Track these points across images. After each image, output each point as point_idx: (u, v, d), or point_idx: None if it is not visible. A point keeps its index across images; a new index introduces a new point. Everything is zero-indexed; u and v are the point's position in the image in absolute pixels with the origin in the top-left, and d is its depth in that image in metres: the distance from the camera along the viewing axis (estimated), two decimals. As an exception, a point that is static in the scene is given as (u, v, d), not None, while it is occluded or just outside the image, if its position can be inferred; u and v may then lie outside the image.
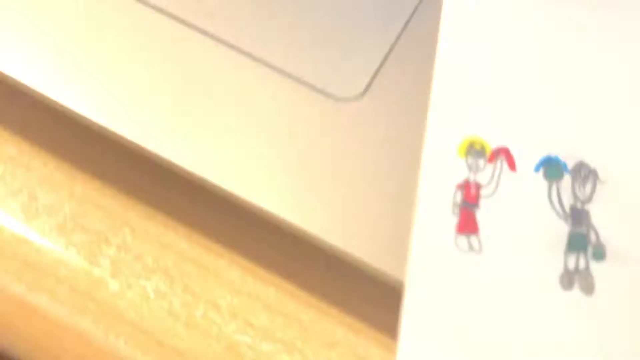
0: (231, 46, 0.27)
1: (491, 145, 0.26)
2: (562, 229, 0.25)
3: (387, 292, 0.25)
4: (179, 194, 0.28)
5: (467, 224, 0.25)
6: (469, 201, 0.25)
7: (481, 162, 0.26)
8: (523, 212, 0.25)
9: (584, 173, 0.26)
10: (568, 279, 0.24)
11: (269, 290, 0.27)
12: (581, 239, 0.25)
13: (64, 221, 0.28)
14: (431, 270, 0.24)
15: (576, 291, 0.24)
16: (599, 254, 0.25)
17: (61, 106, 0.27)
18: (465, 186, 0.25)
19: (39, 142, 0.29)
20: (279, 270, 0.28)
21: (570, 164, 0.26)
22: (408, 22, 0.28)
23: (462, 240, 0.25)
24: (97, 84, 0.27)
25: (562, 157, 0.26)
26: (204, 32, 0.28)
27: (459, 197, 0.25)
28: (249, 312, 0.27)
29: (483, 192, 0.26)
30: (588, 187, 0.26)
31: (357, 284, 0.28)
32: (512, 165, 0.26)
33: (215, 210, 0.28)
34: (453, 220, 0.25)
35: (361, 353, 0.27)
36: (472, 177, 0.26)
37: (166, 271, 0.27)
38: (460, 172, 0.26)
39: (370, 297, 0.26)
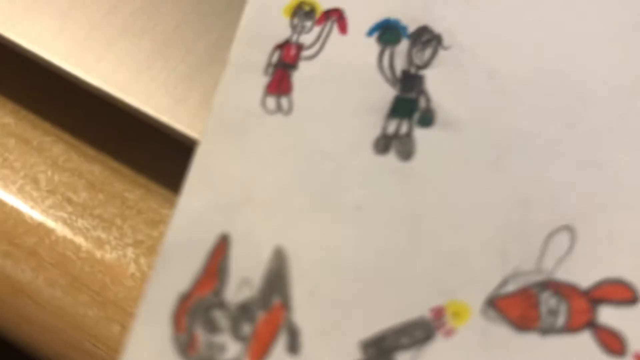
0: None
1: (323, 7, 0.24)
2: (388, 94, 0.23)
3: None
4: (10, 69, 0.27)
5: (280, 85, 0.23)
6: (286, 61, 0.23)
7: (308, 23, 0.24)
8: (345, 76, 0.23)
9: (426, 38, 0.24)
10: (384, 143, 0.22)
11: (93, 167, 0.26)
12: (408, 105, 0.23)
13: None
14: (229, 128, 0.22)
15: (391, 156, 0.22)
16: (427, 119, 0.23)
17: None
18: (285, 47, 0.23)
19: None
20: (106, 148, 0.26)
21: (411, 28, 0.24)
22: None
23: (271, 100, 0.23)
24: None
25: (405, 21, 0.24)
26: None
27: (275, 58, 0.23)
28: (69, 189, 0.25)
29: (305, 53, 0.23)
30: (428, 52, 0.24)
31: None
32: (342, 28, 0.24)
33: (45, 88, 0.27)
34: (264, 80, 0.23)
35: (183, 232, 0.25)
36: (294, 38, 0.24)
37: (-14, 145, 0.26)
38: (282, 32, 0.24)
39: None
